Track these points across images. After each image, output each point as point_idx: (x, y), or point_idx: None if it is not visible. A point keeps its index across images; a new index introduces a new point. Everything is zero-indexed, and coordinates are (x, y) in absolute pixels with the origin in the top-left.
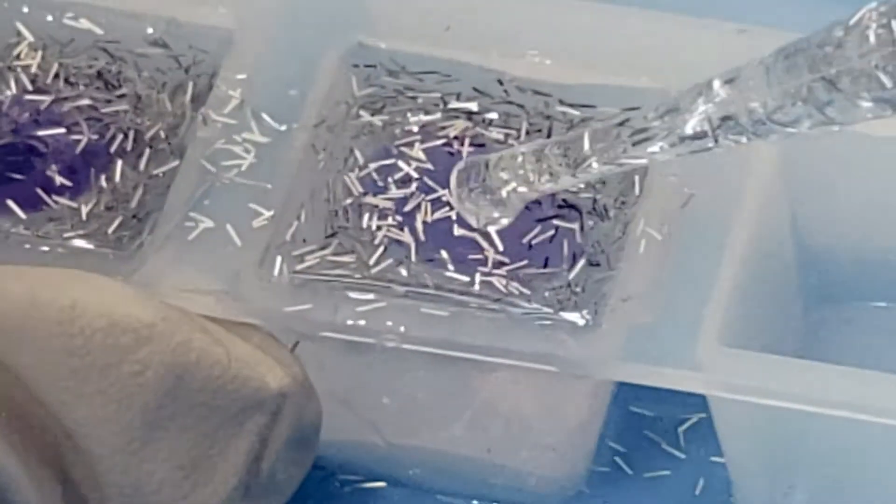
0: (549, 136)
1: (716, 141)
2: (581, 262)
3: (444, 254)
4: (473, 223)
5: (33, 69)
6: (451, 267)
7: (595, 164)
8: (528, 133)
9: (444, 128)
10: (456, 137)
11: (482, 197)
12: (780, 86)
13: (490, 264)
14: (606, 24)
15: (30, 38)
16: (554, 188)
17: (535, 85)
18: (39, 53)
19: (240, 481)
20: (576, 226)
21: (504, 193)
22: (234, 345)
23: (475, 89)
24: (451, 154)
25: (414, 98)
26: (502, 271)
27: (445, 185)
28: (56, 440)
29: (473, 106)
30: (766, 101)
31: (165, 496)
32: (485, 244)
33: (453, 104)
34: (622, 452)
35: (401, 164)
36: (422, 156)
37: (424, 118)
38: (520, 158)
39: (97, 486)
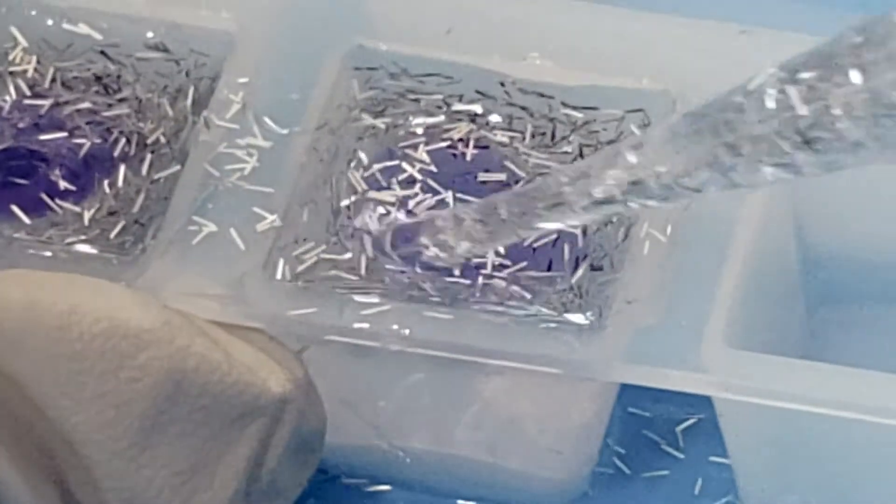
0: (552, 138)
1: (626, 205)
2: (583, 267)
3: None
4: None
5: (29, 74)
6: (454, 270)
7: (512, 231)
8: (532, 136)
9: (448, 130)
10: (461, 140)
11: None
12: (686, 151)
13: (491, 267)
14: (608, 25)
15: (24, 43)
16: (474, 252)
17: (537, 87)
18: (34, 58)
19: (240, 487)
20: (578, 231)
21: (426, 258)
22: (235, 349)
23: (478, 92)
24: (455, 156)
25: (416, 100)
26: (505, 274)
27: (449, 188)
28: (54, 445)
29: (477, 108)
30: (673, 166)
31: (164, 502)
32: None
33: (456, 106)
34: (621, 453)
35: (405, 165)
36: (426, 158)
37: (427, 120)
38: (439, 223)
39: (95, 492)
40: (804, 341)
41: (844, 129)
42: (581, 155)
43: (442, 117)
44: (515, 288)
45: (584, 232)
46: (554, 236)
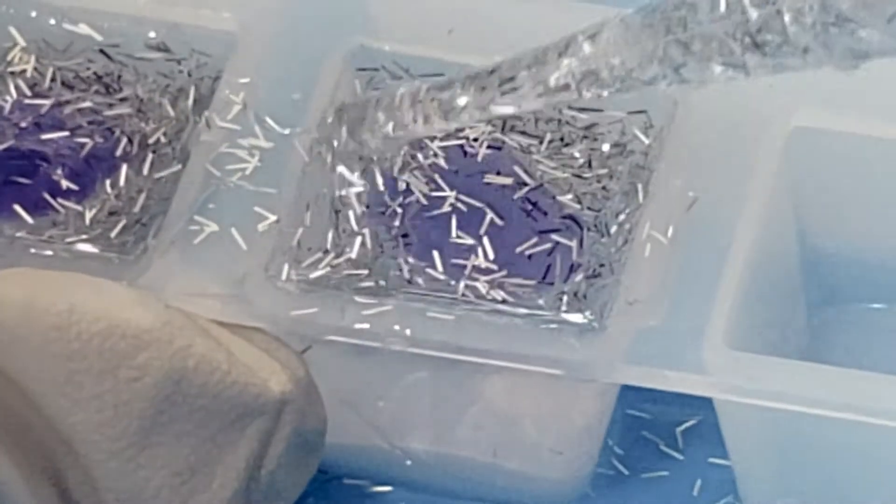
0: (563, 142)
1: (579, 94)
2: (579, 276)
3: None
4: (354, 169)
5: (28, 73)
6: (455, 271)
7: (466, 111)
8: (550, 142)
9: (461, 129)
10: (476, 139)
11: (366, 137)
12: (638, 44)
13: (492, 270)
14: None
15: (22, 42)
16: (428, 132)
17: None
18: (33, 58)
19: (240, 487)
20: (574, 243)
21: (382, 134)
22: (237, 349)
23: None
24: (465, 154)
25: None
26: (506, 277)
27: (454, 189)
28: (52, 445)
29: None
30: (626, 58)
31: (163, 502)
32: (488, 251)
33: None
34: (621, 454)
35: (419, 156)
36: (440, 153)
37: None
38: (396, 101)
39: (93, 492)
40: (805, 342)
41: (793, 34)
42: (590, 163)
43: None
44: (519, 289)
45: (581, 244)
46: (549, 246)
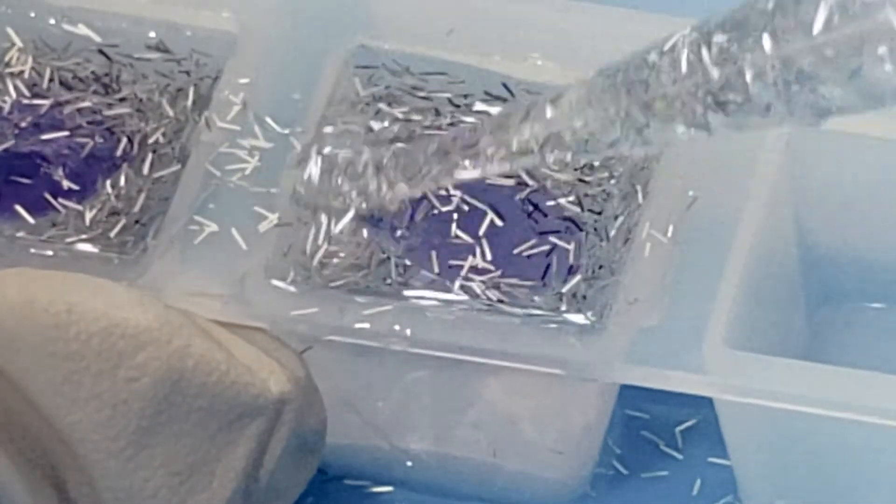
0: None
1: (542, 158)
2: (579, 276)
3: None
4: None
5: (26, 74)
6: (455, 271)
7: (430, 177)
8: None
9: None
10: None
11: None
12: (601, 107)
13: (493, 271)
14: (608, 26)
15: (19, 43)
16: (393, 198)
17: (539, 88)
18: (30, 58)
19: (238, 487)
20: (574, 244)
21: (345, 201)
22: (236, 348)
23: (487, 93)
24: None
25: (427, 98)
26: (507, 277)
27: (457, 188)
28: (50, 445)
29: (490, 109)
30: (588, 121)
31: (161, 502)
32: (487, 253)
33: (455, 106)
34: (619, 453)
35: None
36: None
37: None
38: (360, 168)
39: (92, 492)
40: (805, 342)
41: (754, 93)
42: (591, 164)
43: (449, 118)
44: (519, 289)
45: (581, 243)
46: (549, 247)
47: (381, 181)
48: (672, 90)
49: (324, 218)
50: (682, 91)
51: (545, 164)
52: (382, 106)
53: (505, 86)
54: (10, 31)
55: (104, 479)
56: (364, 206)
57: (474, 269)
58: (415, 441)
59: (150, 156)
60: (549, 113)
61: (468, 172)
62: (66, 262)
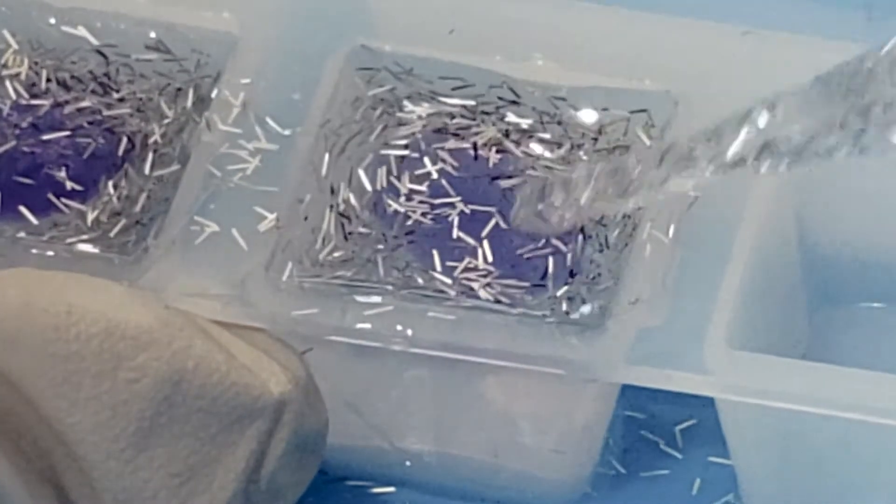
0: (571, 144)
1: (756, 168)
2: (578, 279)
3: (451, 258)
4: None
5: (23, 75)
6: (458, 272)
7: (641, 192)
8: (558, 145)
9: (475, 133)
10: (485, 144)
11: (536, 219)
12: (817, 113)
13: (494, 272)
14: (610, 26)
15: (14, 45)
16: (605, 211)
17: (544, 89)
18: (26, 59)
19: (239, 489)
20: (571, 247)
21: (556, 217)
22: (236, 349)
23: (499, 98)
24: (476, 159)
25: (433, 98)
26: (508, 278)
27: (457, 189)
28: (50, 446)
29: (503, 112)
30: (804, 128)
31: (161, 503)
32: (489, 254)
33: (454, 102)
34: (619, 453)
35: (426, 160)
36: (448, 157)
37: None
38: (572, 183)
39: (91, 493)
40: (806, 342)
41: None
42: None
43: (449, 118)
44: (520, 290)
45: (582, 243)
46: (547, 250)
47: (591, 196)
48: (889, 95)
49: (324, 218)
50: None
51: (758, 173)
52: (407, 103)
53: (511, 89)
54: (5, 32)
55: (104, 480)
56: (572, 218)
57: (475, 270)
58: (415, 441)
59: (150, 156)
60: (763, 120)
61: (681, 184)
62: (66, 263)
